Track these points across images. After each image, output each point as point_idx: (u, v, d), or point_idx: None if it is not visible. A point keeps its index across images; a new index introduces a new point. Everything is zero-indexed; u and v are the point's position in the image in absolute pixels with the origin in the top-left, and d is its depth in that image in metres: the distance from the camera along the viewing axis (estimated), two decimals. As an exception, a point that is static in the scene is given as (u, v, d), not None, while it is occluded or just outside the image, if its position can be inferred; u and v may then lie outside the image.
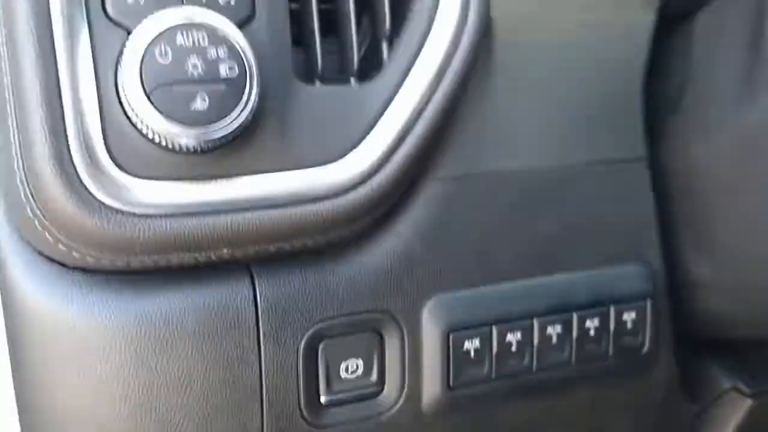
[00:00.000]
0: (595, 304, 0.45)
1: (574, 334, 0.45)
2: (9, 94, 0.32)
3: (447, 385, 0.42)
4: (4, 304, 0.36)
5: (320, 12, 0.39)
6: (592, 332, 0.45)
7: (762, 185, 0.45)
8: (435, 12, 0.39)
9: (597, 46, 0.47)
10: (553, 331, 0.44)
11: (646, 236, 0.48)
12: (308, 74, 0.38)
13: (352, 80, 0.39)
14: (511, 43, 0.44)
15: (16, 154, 0.33)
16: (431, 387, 0.42)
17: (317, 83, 0.38)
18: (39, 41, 0.32)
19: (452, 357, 0.41)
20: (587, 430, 0.49)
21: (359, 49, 0.40)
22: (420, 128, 0.39)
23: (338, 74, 0.40)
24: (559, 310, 0.44)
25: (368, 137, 0.38)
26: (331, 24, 0.40)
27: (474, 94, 0.42)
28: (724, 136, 0.46)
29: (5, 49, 0.32)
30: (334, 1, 0.40)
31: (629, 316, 0.46)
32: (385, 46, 0.40)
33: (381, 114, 0.39)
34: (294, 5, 0.38)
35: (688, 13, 0.51)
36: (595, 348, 0.46)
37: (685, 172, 0.49)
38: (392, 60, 0.39)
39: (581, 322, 0.45)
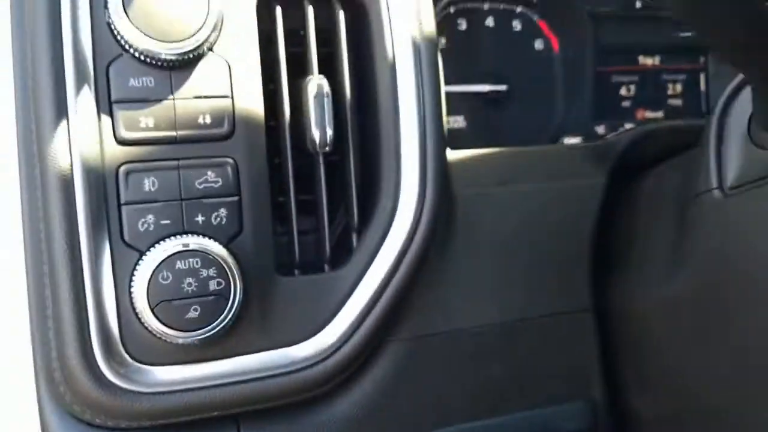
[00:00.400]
0: None
1: None
2: (49, 302, 0.42)
3: None
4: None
5: (297, 202, 0.48)
6: None
7: (685, 338, 0.51)
8: (395, 211, 0.48)
9: (550, 209, 0.55)
10: None
11: (591, 376, 0.55)
12: (287, 264, 0.47)
13: (326, 267, 0.48)
14: (470, 216, 0.52)
15: (52, 349, 0.42)
16: None
17: (296, 273, 0.47)
18: (71, 262, 0.41)
19: None
20: None
21: (332, 239, 0.48)
22: (382, 305, 0.47)
23: (313, 258, 0.48)
24: None
25: (337, 317, 0.47)
26: (308, 206, 0.49)
27: (433, 266, 0.50)
28: (657, 295, 0.53)
29: (48, 279, 0.42)
30: (313, 193, 0.49)
31: None
32: (354, 236, 0.48)
33: (349, 296, 0.47)
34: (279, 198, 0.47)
35: (639, 171, 0.58)
36: None
37: (626, 319, 0.56)
38: (360, 248, 0.48)
39: None
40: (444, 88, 0.51)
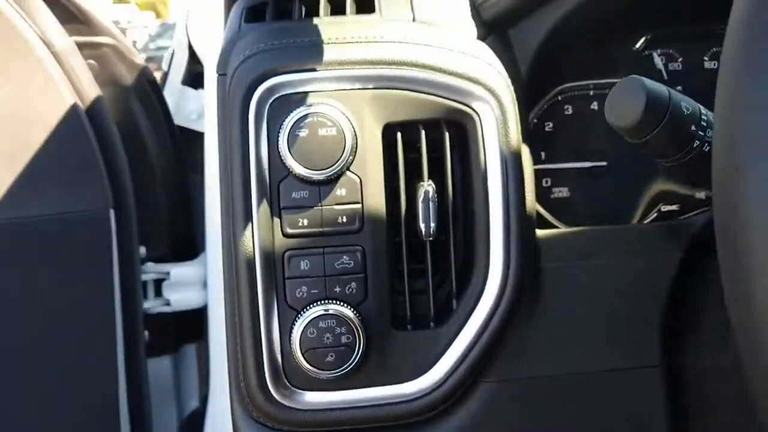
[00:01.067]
0: None
1: None
2: (239, 345, 0.61)
3: None
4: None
5: (411, 273, 0.63)
6: None
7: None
8: (485, 283, 0.62)
9: (627, 279, 0.66)
10: None
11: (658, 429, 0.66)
12: (402, 320, 0.63)
13: (432, 324, 0.63)
14: (554, 285, 0.65)
15: (241, 376, 0.62)
16: None
17: (408, 328, 0.63)
18: (252, 318, 0.60)
19: None
20: None
21: (436, 303, 0.64)
22: (474, 354, 0.62)
23: (422, 317, 0.64)
24: None
25: (438, 362, 0.62)
26: (421, 275, 0.64)
27: (518, 324, 0.64)
28: (727, 359, 0.62)
29: (238, 329, 0.61)
30: (422, 267, 0.64)
31: None
32: (454, 302, 0.63)
33: (448, 347, 0.62)
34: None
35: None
36: None
37: (698, 379, 0.66)
38: (457, 311, 0.62)
39: None
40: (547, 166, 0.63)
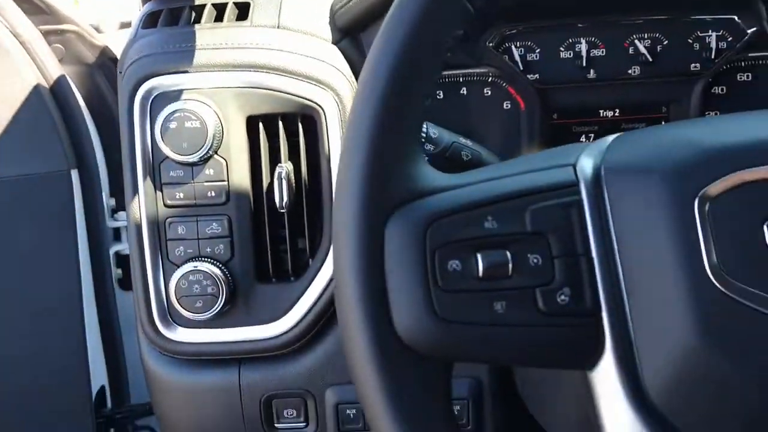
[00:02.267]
0: None
1: None
2: (137, 291, 0.78)
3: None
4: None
5: (274, 239, 0.78)
6: None
7: None
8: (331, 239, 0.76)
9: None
10: None
11: None
12: (266, 275, 0.78)
13: (291, 278, 0.78)
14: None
15: (139, 313, 0.78)
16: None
17: (273, 281, 0.78)
18: (142, 270, 0.76)
19: (340, 418, 0.80)
20: None
21: (293, 262, 0.78)
22: (321, 303, 0.76)
23: (282, 272, 0.78)
24: None
25: (293, 309, 0.77)
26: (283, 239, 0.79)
27: None
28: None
29: (135, 279, 0.77)
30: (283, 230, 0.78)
31: None
32: (309, 259, 0.77)
33: (301, 296, 0.77)
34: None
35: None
36: None
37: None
38: (311, 266, 0.77)
39: None
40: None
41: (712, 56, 0.82)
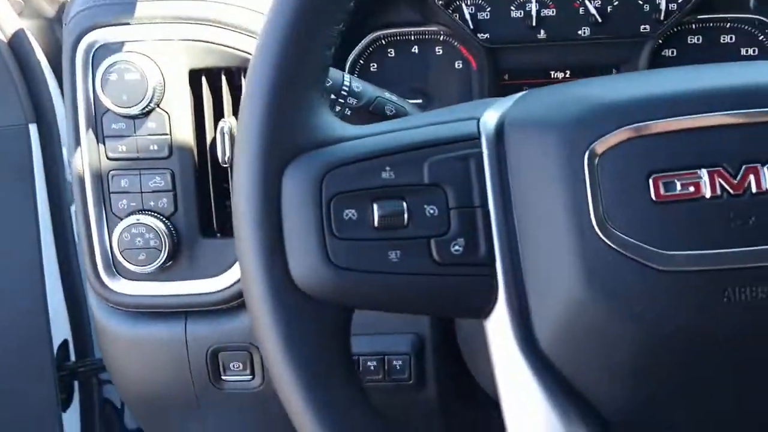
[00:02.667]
0: None
1: None
2: (82, 243, 0.78)
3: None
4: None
5: (219, 192, 0.78)
6: None
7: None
8: None
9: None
10: None
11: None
12: (208, 231, 0.78)
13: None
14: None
15: (86, 266, 0.79)
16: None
17: (217, 236, 0.79)
18: (86, 223, 0.77)
19: None
20: None
21: None
22: None
23: (228, 229, 0.79)
24: None
25: (237, 263, 0.78)
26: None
27: None
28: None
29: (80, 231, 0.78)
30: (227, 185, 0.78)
31: None
32: None
33: None
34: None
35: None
36: None
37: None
38: None
39: None
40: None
41: (662, 18, 0.82)
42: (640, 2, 0.82)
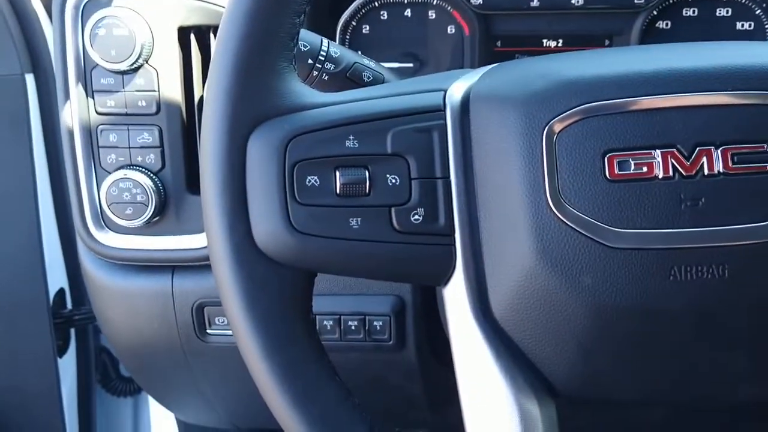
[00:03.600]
0: None
1: None
2: (73, 197, 0.80)
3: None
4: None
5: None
6: None
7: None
8: None
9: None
10: None
11: None
12: (195, 188, 0.80)
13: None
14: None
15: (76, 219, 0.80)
16: None
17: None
18: (75, 176, 0.78)
19: None
20: None
21: None
22: None
23: None
24: None
25: (222, 221, 0.79)
26: None
27: None
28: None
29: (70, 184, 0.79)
30: None
31: None
32: None
33: None
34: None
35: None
36: None
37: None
38: None
39: None
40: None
41: None
42: None
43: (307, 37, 0.62)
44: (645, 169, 0.42)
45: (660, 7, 0.83)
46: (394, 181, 0.44)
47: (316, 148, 0.44)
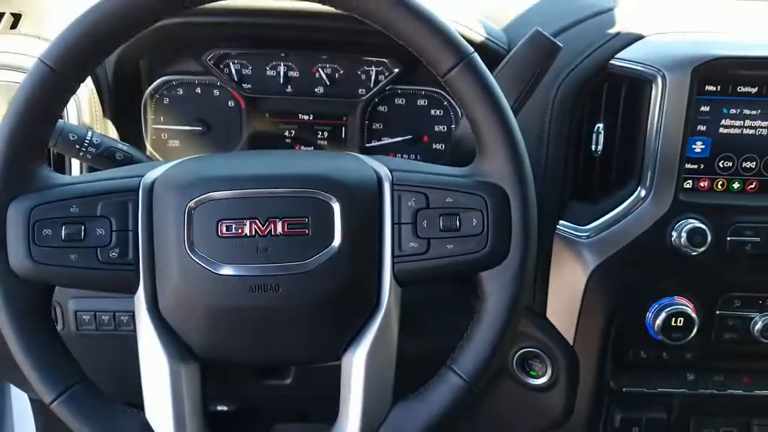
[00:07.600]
0: None
1: None
2: None
3: None
4: None
5: None
6: None
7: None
8: None
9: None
10: None
11: None
12: None
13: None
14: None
15: None
16: None
17: None
18: None
19: (78, 321, 1.12)
20: None
21: None
22: None
23: None
24: None
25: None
26: None
27: None
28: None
29: None
30: None
31: None
32: None
33: None
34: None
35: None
36: None
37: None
38: None
39: None
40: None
41: (371, 85, 1.14)
42: (359, 73, 1.14)
43: (77, 130, 0.91)
44: (240, 230, 0.73)
45: (378, 97, 1.15)
46: (101, 232, 0.74)
47: (50, 213, 0.73)
